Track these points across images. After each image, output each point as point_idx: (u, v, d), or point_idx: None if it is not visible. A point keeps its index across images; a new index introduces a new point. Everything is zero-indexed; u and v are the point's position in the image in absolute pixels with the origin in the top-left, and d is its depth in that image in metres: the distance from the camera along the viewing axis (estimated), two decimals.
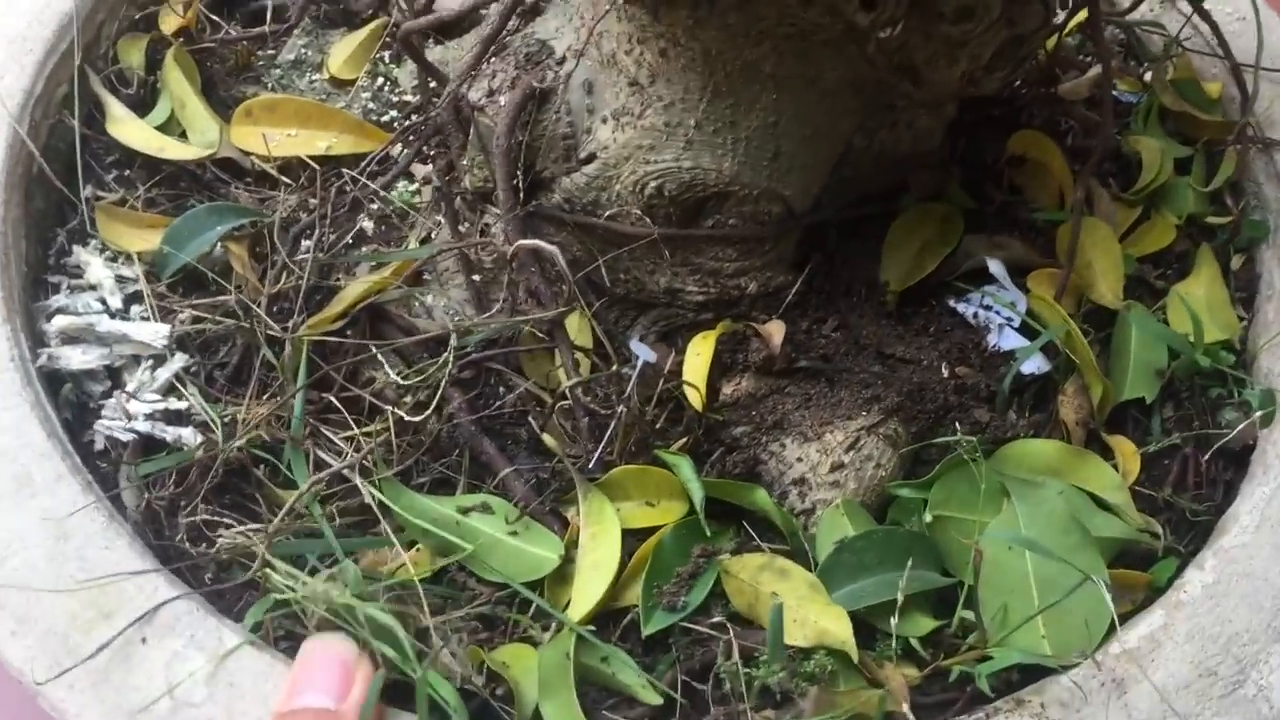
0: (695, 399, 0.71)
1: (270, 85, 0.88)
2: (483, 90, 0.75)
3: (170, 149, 0.82)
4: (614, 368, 0.70)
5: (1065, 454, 0.71)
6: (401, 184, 0.83)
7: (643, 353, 0.72)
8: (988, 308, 0.78)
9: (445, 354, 0.69)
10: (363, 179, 0.78)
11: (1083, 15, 0.87)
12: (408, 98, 0.87)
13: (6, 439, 0.65)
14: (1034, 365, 0.75)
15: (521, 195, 0.73)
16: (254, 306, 0.73)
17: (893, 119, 0.76)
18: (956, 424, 0.74)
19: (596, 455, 0.69)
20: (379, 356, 0.73)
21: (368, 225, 0.81)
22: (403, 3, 0.87)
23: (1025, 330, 0.77)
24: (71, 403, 0.71)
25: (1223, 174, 0.85)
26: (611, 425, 0.69)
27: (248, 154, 0.83)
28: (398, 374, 0.72)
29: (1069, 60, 0.93)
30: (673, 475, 0.69)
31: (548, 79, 0.73)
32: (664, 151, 0.70)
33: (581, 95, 0.72)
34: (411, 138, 0.81)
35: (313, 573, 0.62)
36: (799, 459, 0.72)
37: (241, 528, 0.64)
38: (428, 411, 0.69)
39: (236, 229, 0.77)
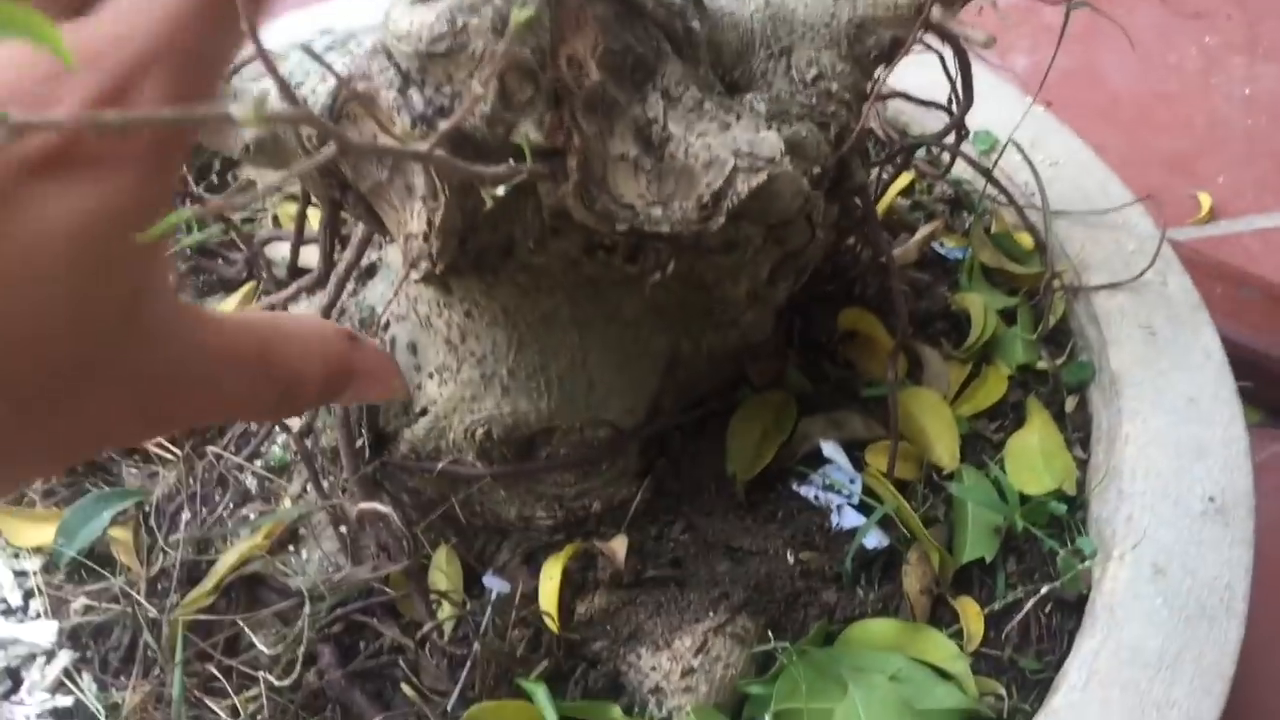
0: (550, 623, 0.76)
1: None
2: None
3: None
4: (465, 606, 0.75)
5: (903, 630, 0.75)
6: (280, 441, 0.89)
7: (495, 585, 0.77)
8: (829, 488, 0.82)
9: (300, 619, 0.73)
10: (225, 454, 0.84)
11: (903, 180, 0.93)
12: None
13: None
14: (874, 540, 0.79)
15: (368, 452, 0.78)
16: (132, 592, 0.78)
17: (715, 321, 0.81)
18: (806, 609, 0.77)
19: (456, 694, 0.73)
20: (244, 626, 0.78)
21: (252, 484, 0.87)
22: (268, 271, 0.94)
23: (865, 507, 0.81)
24: None
25: (1052, 319, 0.89)
26: (470, 661, 0.73)
27: None
28: (274, 636, 0.77)
29: (901, 224, 0.98)
30: (529, 706, 0.73)
31: (377, 344, 0.78)
32: (485, 400, 0.75)
33: (408, 355, 0.78)
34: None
35: None
36: (653, 668, 0.75)
37: None
38: (294, 674, 0.73)
39: (120, 514, 0.83)
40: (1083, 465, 0.84)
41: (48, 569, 0.82)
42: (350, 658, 0.77)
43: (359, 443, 0.78)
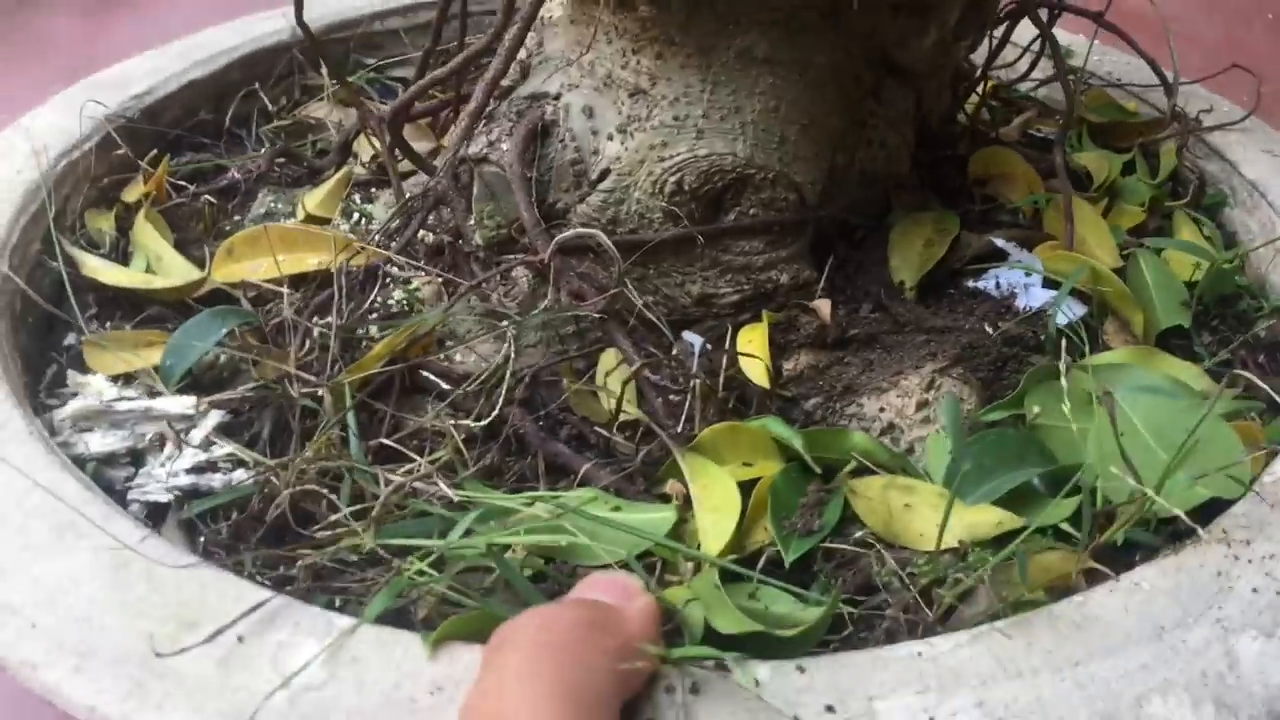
0: (761, 374, 0.69)
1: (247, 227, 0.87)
2: (482, 143, 0.76)
3: (158, 279, 0.79)
4: (674, 349, 0.68)
5: (1140, 354, 0.71)
6: (398, 292, 0.82)
7: (695, 340, 0.70)
8: (1006, 277, 0.80)
9: (506, 347, 0.65)
10: (376, 245, 0.77)
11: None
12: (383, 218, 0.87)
13: (38, 497, 0.57)
14: (1071, 311, 0.76)
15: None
16: (286, 368, 0.68)
17: (867, 137, 0.80)
18: (1015, 375, 0.73)
19: (681, 425, 0.65)
20: (427, 403, 0.68)
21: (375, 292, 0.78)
22: (371, 132, 0.89)
23: (1049, 286, 0.78)
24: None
25: (1165, 167, 0.91)
26: (689, 399, 0.66)
27: (237, 286, 0.81)
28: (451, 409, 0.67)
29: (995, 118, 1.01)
30: (762, 432, 0.65)
31: (547, 113, 0.75)
32: (678, 145, 0.72)
33: (583, 121, 0.74)
34: (412, 208, 0.81)
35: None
36: (881, 410, 0.69)
37: (338, 515, 0.57)
38: (494, 412, 0.64)
39: (243, 327, 0.73)
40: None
41: (150, 394, 0.71)
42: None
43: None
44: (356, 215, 0.88)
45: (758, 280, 0.74)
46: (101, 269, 0.79)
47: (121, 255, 0.84)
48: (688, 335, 0.71)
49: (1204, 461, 0.60)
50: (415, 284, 0.82)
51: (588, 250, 0.73)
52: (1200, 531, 0.56)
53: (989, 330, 0.75)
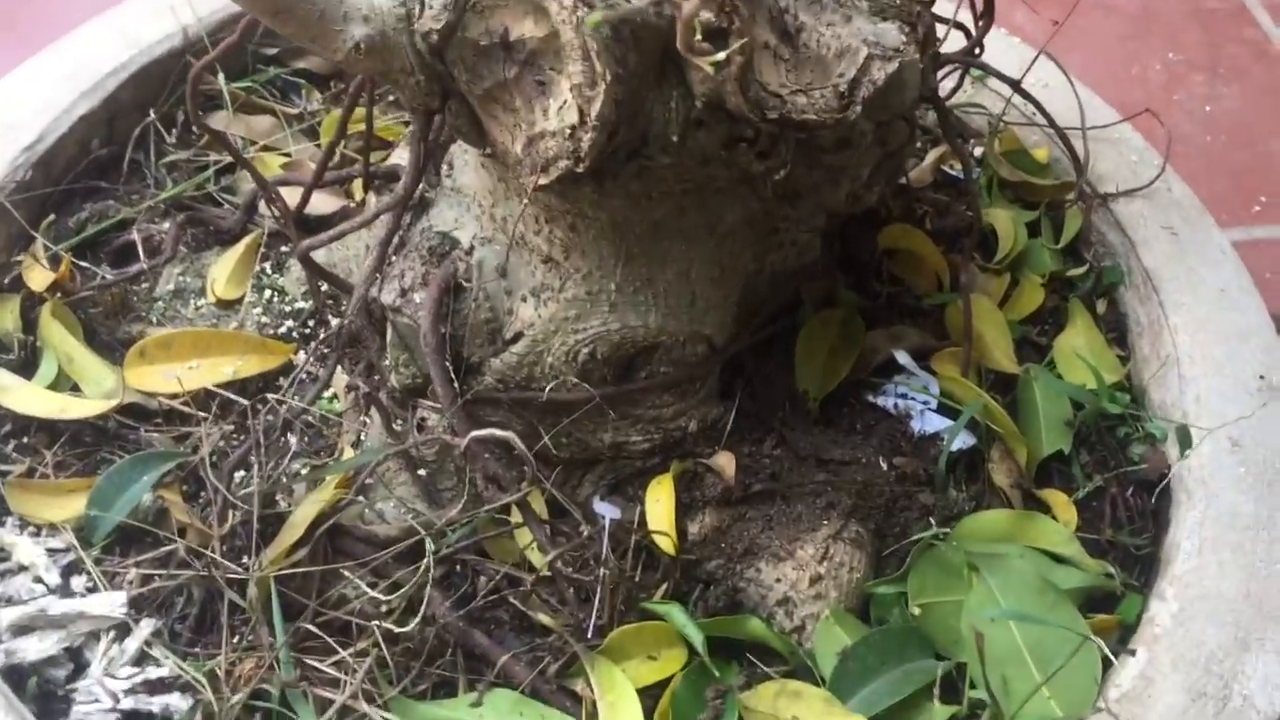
0: (667, 545, 0.73)
1: (155, 319, 0.86)
2: (394, 291, 0.75)
3: (72, 408, 0.79)
4: (585, 532, 0.72)
5: (1013, 520, 0.76)
6: (329, 393, 0.83)
7: (608, 511, 0.74)
8: (903, 396, 0.83)
9: (425, 559, 0.69)
10: (289, 400, 0.78)
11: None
12: (299, 304, 0.87)
13: None
14: (961, 441, 0.80)
15: (456, 385, 0.74)
16: (207, 552, 0.71)
17: (778, 240, 0.81)
18: (904, 513, 0.78)
19: (591, 622, 0.70)
20: (349, 576, 0.72)
21: (292, 440, 0.80)
22: (273, 210, 0.87)
23: (943, 410, 0.82)
24: (35, 695, 0.67)
25: (1069, 231, 0.93)
26: (599, 589, 0.70)
27: (152, 395, 0.81)
28: (369, 586, 0.71)
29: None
30: (665, 625, 0.70)
31: (459, 270, 0.74)
32: (591, 319, 0.73)
33: (497, 280, 0.74)
34: (324, 349, 0.81)
35: None
36: (777, 580, 0.74)
37: None
38: (416, 619, 0.68)
39: (164, 475, 0.75)
40: (1123, 361, 0.88)
41: (81, 544, 0.74)
42: (458, 603, 0.72)
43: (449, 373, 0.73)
44: (268, 292, 0.88)
45: (667, 430, 0.77)
46: (12, 391, 0.79)
47: (31, 354, 0.83)
48: (599, 506, 0.74)
49: (1062, 676, 0.67)
50: (331, 392, 0.83)
51: (500, 403, 0.75)
52: None
53: (883, 465, 0.79)
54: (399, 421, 0.78)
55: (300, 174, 0.92)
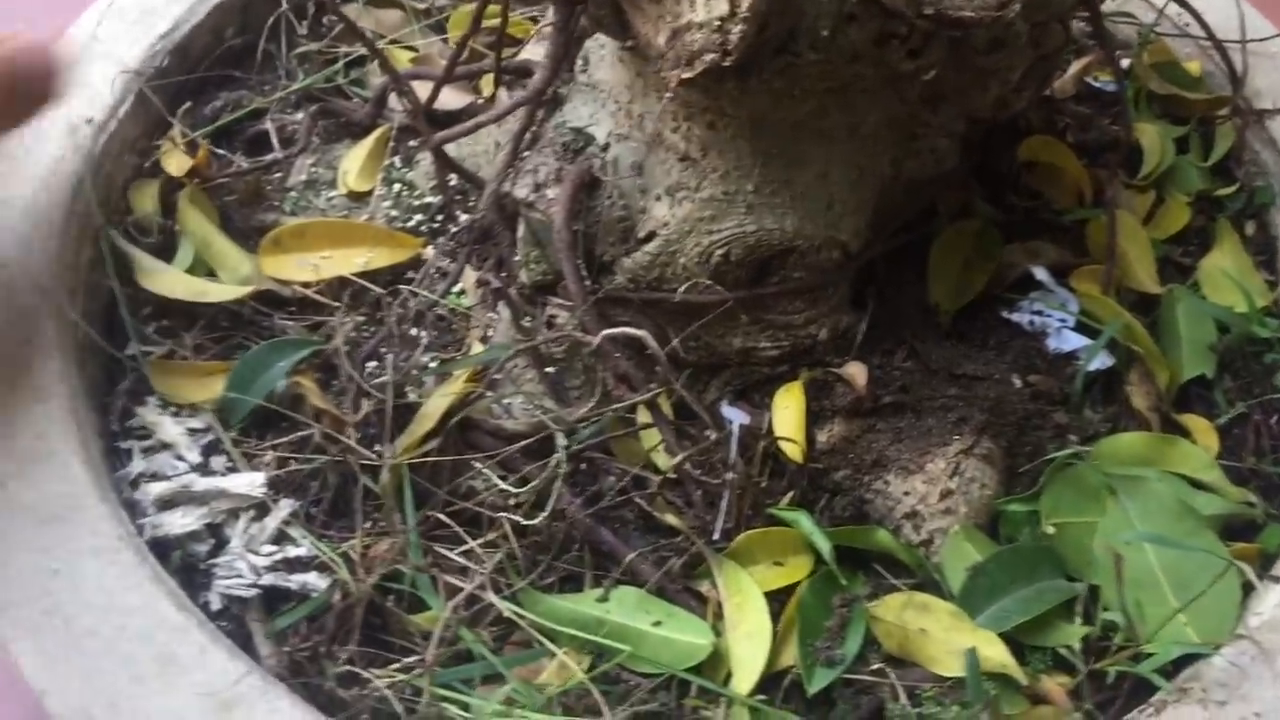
0: (795, 452, 0.73)
1: (288, 209, 0.87)
2: (528, 186, 0.75)
3: (211, 292, 0.81)
4: (713, 436, 0.71)
5: (1153, 442, 0.74)
6: (457, 288, 0.83)
7: (737, 416, 0.73)
8: (1039, 313, 0.81)
9: (557, 454, 0.69)
10: (423, 292, 0.78)
11: None
12: (428, 199, 0.87)
13: (140, 620, 0.64)
14: (1098, 361, 0.78)
15: (588, 283, 0.73)
16: (342, 438, 0.72)
17: (916, 148, 0.78)
18: (1037, 432, 0.76)
19: (719, 525, 0.70)
20: (479, 468, 0.73)
21: (422, 334, 0.81)
22: (404, 104, 0.87)
23: (1080, 329, 0.80)
24: (178, 567, 0.69)
25: (1220, 148, 0.89)
26: (726, 493, 0.70)
27: (285, 283, 0.82)
28: (500, 479, 0.72)
29: None
30: (792, 531, 0.70)
31: (594, 166, 0.74)
32: (726, 220, 0.71)
33: (632, 177, 0.73)
34: (456, 243, 0.82)
35: None
36: (906, 493, 0.73)
37: (399, 664, 0.64)
38: (544, 514, 0.69)
39: (300, 361, 0.76)
40: (1270, 286, 0.84)
41: (220, 425, 0.76)
42: (585, 501, 0.72)
43: (581, 271, 0.73)
44: (398, 186, 0.88)
45: (797, 337, 0.76)
46: (154, 272, 0.81)
47: (170, 239, 0.84)
48: (727, 411, 0.74)
49: (1200, 602, 0.65)
50: (459, 286, 0.83)
51: (630, 303, 0.75)
52: (1176, 689, 0.62)
53: (1016, 382, 0.78)
54: (528, 318, 0.78)
55: (430, 68, 0.91)
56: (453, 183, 0.86)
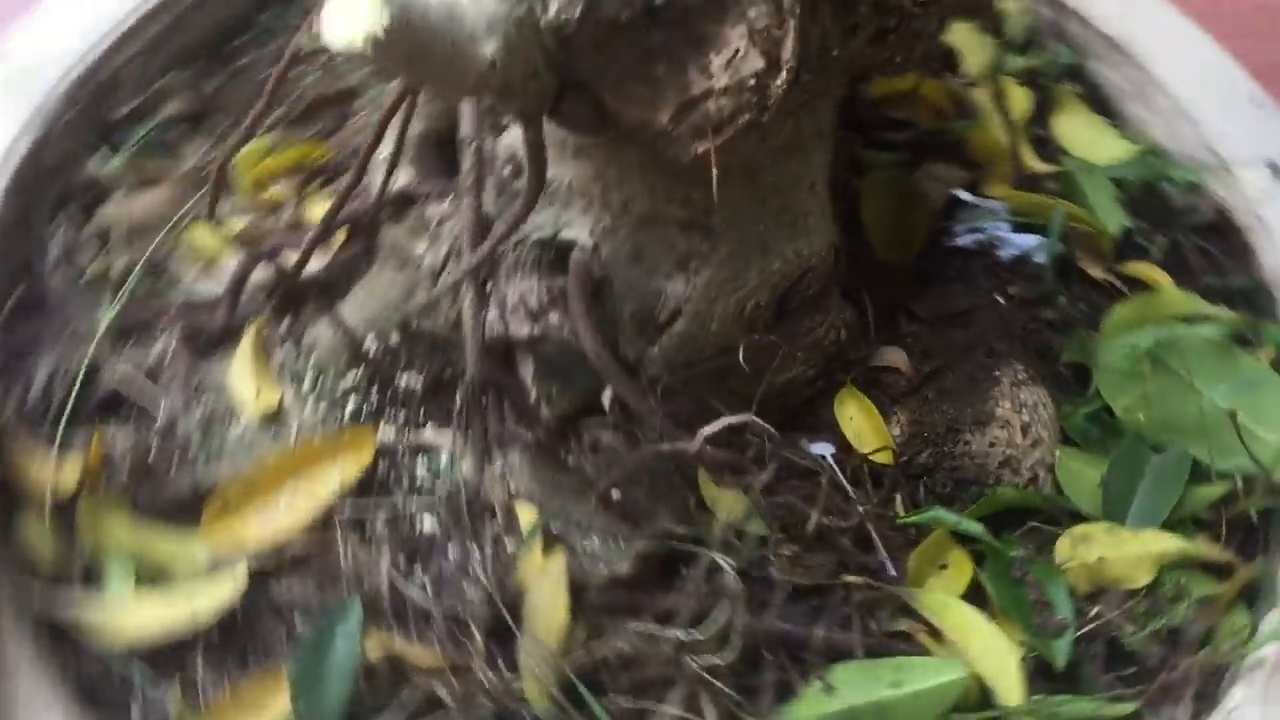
0: (889, 458, 0.72)
1: (202, 464, 0.72)
2: (522, 320, 0.68)
3: (201, 604, 0.66)
4: (823, 479, 0.69)
5: (1140, 304, 0.80)
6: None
7: (824, 449, 0.71)
8: (977, 229, 0.83)
9: (727, 579, 0.64)
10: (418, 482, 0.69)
11: None
12: (348, 378, 0.76)
13: None
14: (1050, 248, 0.82)
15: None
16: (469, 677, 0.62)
17: None
18: (1038, 335, 0.80)
19: (886, 560, 0.67)
20: (640, 627, 0.66)
21: (434, 524, 0.71)
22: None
23: (1018, 229, 0.83)
24: None
25: (1018, 25, 0.95)
26: (870, 528, 0.68)
27: (267, 546, 0.69)
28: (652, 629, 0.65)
29: None
30: (940, 533, 0.69)
31: (595, 270, 0.67)
32: (749, 269, 0.68)
33: (633, 268, 0.68)
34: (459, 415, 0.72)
35: None
36: (990, 444, 0.74)
37: None
38: (729, 644, 0.63)
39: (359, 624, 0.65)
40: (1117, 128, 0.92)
41: None
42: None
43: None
44: (308, 382, 0.76)
45: (824, 348, 0.74)
46: (115, 623, 0.65)
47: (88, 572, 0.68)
48: (816, 448, 0.71)
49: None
50: (443, 458, 0.74)
51: (672, 390, 0.70)
52: None
53: (1000, 300, 0.80)
54: (568, 453, 0.71)
55: (288, 234, 0.79)
56: (373, 348, 0.75)
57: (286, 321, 0.78)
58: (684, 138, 0.59)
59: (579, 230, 0.68)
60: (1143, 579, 0.68)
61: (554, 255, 0.68)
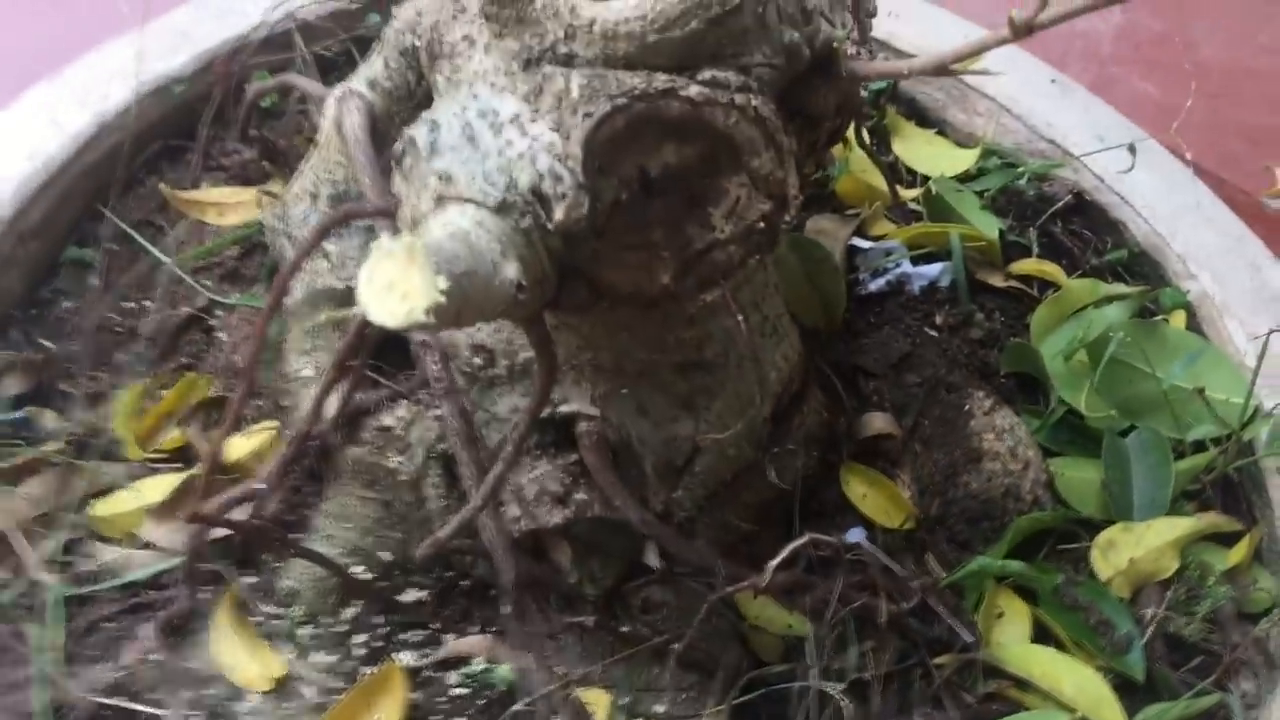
0: (914, 524, 0.73)
1: None
2: (550, 509, 0.64)
3: None
4: (872, 568, 0.69)
5: (1057, 300, 0.84)
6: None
7: (859, 534, 0.72)
8: (880, 271, 0.85)
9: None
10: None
11: None
12: (343, 618, 0.69)
13: None
14: (949, 275, 0.85)
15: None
16: None
17: None
18: (977, 355, 0.83)
19: (958, 627, 0.68)
20: None
21: None
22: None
23: (917, 260, 0.86)
24: None
25: None
26: (937, 604, 0.69)
27: None
28: None
29: None
30: (989, 580, 0.71)
31: (611, 438, 0.64)
32: (753, 389, 0.67)
33: (643, 422, 0.65)
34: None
35: None
36: (989, 478, 0.76)
37: None
38: None
39: None
40: (945, 135, 0.96)
41: None
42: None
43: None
44: (301, 633, 0.69)
45: (817, 435, 0.74)
46: None
47: None
48: (852, 536, 0.71)
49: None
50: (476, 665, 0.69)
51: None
52: None
53: (932, 332, 0.83)
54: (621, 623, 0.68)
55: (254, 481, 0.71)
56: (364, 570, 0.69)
57: (251, 579, 0.70)
58: (691, 291, 0.58)
59: (578, 402, 0.65)
60: (1171, 566, 0.72)
61: (557, 433, 0.65)
